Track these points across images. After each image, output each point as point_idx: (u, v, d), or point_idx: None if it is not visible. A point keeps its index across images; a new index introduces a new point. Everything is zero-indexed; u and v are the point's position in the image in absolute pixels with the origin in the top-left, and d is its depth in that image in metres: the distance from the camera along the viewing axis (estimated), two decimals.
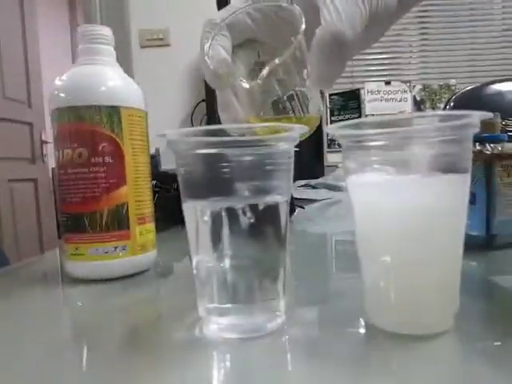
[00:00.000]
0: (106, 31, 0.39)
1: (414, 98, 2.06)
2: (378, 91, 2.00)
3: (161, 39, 1.82)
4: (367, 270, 0.25)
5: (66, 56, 3.47)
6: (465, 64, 2.16)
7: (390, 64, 2.17)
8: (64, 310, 0.36)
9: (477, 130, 0.21)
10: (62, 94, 0.37)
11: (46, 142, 2.68)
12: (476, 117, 0.21)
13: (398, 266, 0.24)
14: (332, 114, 2.02)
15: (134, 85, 0.40)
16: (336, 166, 1.45)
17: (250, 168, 0.24)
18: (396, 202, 0.22)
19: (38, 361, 0.24)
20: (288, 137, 0.25)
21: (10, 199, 2.34)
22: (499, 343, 0.22)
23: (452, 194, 0.22)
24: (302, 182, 1.11)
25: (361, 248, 0.26)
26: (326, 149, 1.97)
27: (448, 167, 0.22)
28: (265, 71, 0.27)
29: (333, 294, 0.35)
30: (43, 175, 2.68)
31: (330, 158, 1.98)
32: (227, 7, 0.30)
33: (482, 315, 0.28)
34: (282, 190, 0.25)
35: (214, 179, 0.24)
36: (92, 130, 0.36)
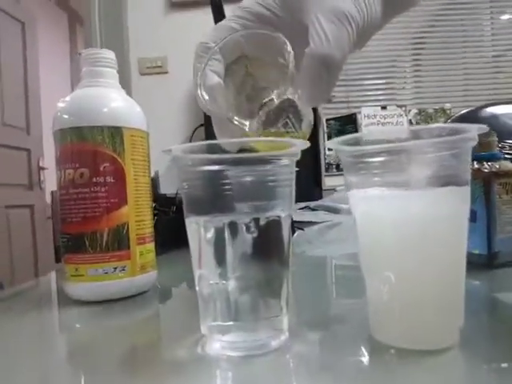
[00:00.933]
0: (109, 54, 0.40)
1: (410, 121, 2.09)
2: (375, 115, 2.04)
3: (159, 67, 1.86)
4: (371, 285, 0.25)
5: (65, 83, 3.53)
6: (458, 89, 2.21)
7: (386, 89, 2.22)
8: (62, 333, 0.35)
9: (474, 143, 0.22)
10: (65, 116, 0.38)
11: (44, 169, 2.69)
12: (474, 130, 0.21)
13: (400, 280, 0.23)
14: (329, 139, 2.04)
15: (136, 106, 0.41)
16: (334, 190, 1.45)
17: (253, 184, 0.24)
18: (397, 215, 0.23)
19: None
20: (290, 153, 0.25)
21: (6, 225, 2.33)
22: (506, 365, 0.22)
23: (452, 206, 0.22)
24: (302, 205, 1.11)
25: (364, 263, 0.26)
26: (323, 173, 1.98)
27: (447, 180, 0.22)
28: (262, 115, 0.27)
29: (335, 313, 0.34)
30: (40, 201, 2.68)
31: (328, 181, 1.99)
32: (216, 26, 0.31)
33: (487, 331, 0.27)
34: (285, 205, 0.25)
35: (217, 195, 0.24)
36: (94, 150, 0.37)
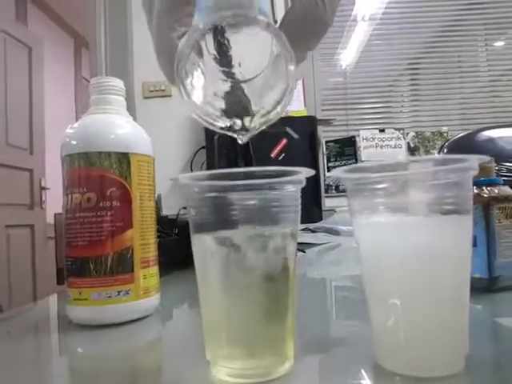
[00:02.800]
0: (117, 82, 0.42)
1: (408, 144, 2.12)
2: (373, 138, 2.07)
3: (162, 90, 1.90)
4: (375, 312, 0.25)
5: (69, 105, 3.59)
6: (455, 112, 2.24)
7: (384, 113, 2.25)
8: (63, 357, 0.35)
9: (475, 172, 0.23)
10: (74, 142, 0.39)
11: (45, 189, 2.70)
12: (475, 160, 0.22)
13: (405, 307, 0.24)
14: (329, 160, 2.06)
15: (143, 132, 0.42)
16: (334, 211, 1.46)
17: (258, 209, 0.25)
18: (401, 243, 0.23)
19: None
20: (295, 180, 0.25)
21: (6, 245, 2.32)
22: None
23: (455, 234, 0.23)
24: (302, 226, 1.12)
25: (368, 289, 0.26)
26: (323, 193, 1.99)
27: (450, 208, 0.23)
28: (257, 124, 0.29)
29: (339, 337, 0.34)
30: (40, 221, 2.68)
31: (328, 202, 2.00)
32: None
33: (493, 358, 0.27)
34: (290, 227, 0.26)
35: (223, 219, 0.25)
36: (101, 174, 0.38)
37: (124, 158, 0.38)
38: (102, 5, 1.92)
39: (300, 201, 0.27)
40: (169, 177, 0.92)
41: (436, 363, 0.23)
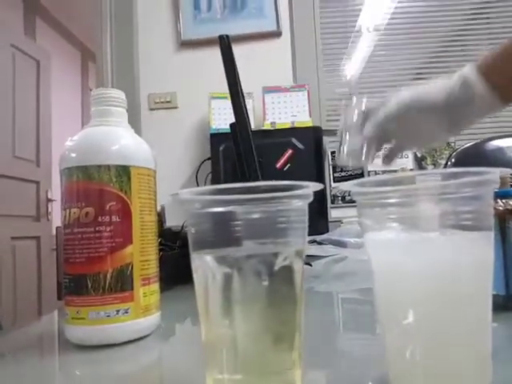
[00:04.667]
0: (118, 93, 0.41)
1: (415, 154, 2.10)
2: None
3: (168, 102, 1.90)
4: (390, 335, 0.24)
5: (76, 117, 3.62)
6: None
7: None
8: (60, 380, 0.33)
9: (497, 186, 0.21)
10: (73, 154, 0.38)
11: (52, 200, 2.71)
12: (496, 173, 0.20)
13: (423, 330, 0.22)
14: (334, 171, 2.04)
15: (144, 144, 0.41)
16: (340, 222, 1.44)
17: (263, 225, 0.23)
18: (419, 261, 0.21)
19: None
20: (302, 194, 0.24)
21: (12, 256, 2.32)
22: None
23: (475, 252, 0.21)
24: (308, 239, 1.10)
25: (381, 310, 0.24)
26: (329, 204, 1.97)
27: (470, 224, 0.21)
28: None
29: (351, 358, 0.32)
30: (47, 233, 2.68)
31: (334, 213, 1.98)
32: None
33: None
34: (296, 246, 0.24)
35: (226, 237, 0.23)
36: (100, 188, 0.36)
37: (124, 171, 0.37)
38: (108, 18, 1.94)
39: (308, 216, 0.25)
40: (174, 188, 0.91)
41: None
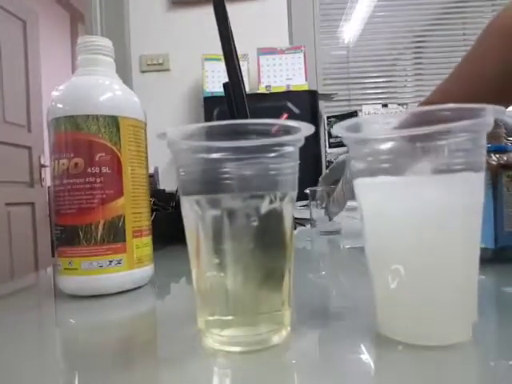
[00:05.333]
0: (106, 42, 0.39)
1: None
2: (376, 113, 2.02)
3: (160, 64, 1.85)
4: (378, 279, 0.24)
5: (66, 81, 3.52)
6: None
7: (387, 87, 2.20)
8: (55, 328, 0.34)
9: (491, 127, 0.21)
10: (60, 105, 0.37)
11: (45, 166, 2.68)
12: (490, 113, 0.20)
13: (411, 273, 0.22)
14: (330, 136, 2.03)
15: (133, 96, 0.40)
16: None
17: (254, 174, 0.23)
18: (407, 202, 0.21)
19: (28, 383, 0.22)
20: (293, 139, 0.23)
21: (7, 222, 2.32)
22: None
23: (466, 193, 0.21)
24: (303, 203, 1.10)
25: (371, 255, 0.24)
26: (324, 171, 1.97)
27: (463, 166, 0.21)
28: None
29: (340, 306, 0.33)
30: (41, 199, 2.67)
31: None
32: None
33: (501, 327, 0.26)
34: (287, 191, 0.24)
35: (216, 183, 0.23)
36: (89, 139, 0.36)
37: (113, 122, 0.36)
38: None
39: (298, 161, 0.25)
40: (166, 152, 0.90)
41: (443, 331, 0.22)
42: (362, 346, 0.23)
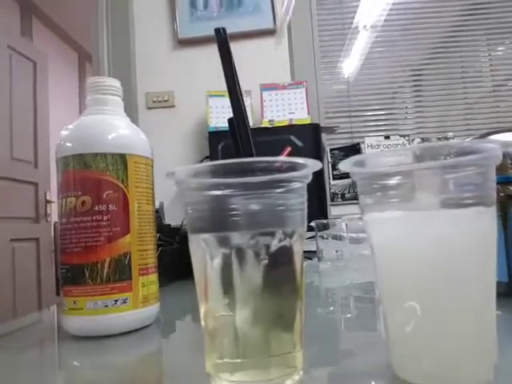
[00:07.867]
0: (114, 82, 0.40)
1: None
2: (378, 145, 2.04)
3: (166, 101, 1.89)
4: (391, 318, 0.23)
5: (73, 120, 3.61)
6: (460, 118, 2.22)
7: (388, 120, 2.23)
8: (58, 371, 0.33)
9: (499, 160, 0.20)
10: (68, 144, 0.37)
11: (51, 202, 2.70)
12: (497, 147, 0.20)
13: (426, 311, 0.21)
14: (334, 168, 2.04)
15: (141, 133, 0.40)
16: (340, 219, 1.43)
17: (262, 210, 0.23)
18: (421, 239, 0.21)
19: None
20: (301, 175, 0.23)
21: (11, 258, 2.31)
22: None
23: (479, 228, 0.21)
24: (309, 235, 1.09)
25: (383, 293, 0.24)
26: (329, 202, 1.97)
27: (473, 200, 0.21)
28: None
29: (352, 348, 0.32)
30: (46, 234, 2.67)
31: (334, 211, 1.97)
32: None
33: None
34: (296, 228, 0.24)
35: (223, 220, 0.23)
36: (97, 177, 0.36)
37: (121, 160, 0.37)
38: (104, 17, 1.93)
39: (306, 197, 0.25)
40: (172, 186, 0.90)
41: (462, 373, 0.21)
42: None
